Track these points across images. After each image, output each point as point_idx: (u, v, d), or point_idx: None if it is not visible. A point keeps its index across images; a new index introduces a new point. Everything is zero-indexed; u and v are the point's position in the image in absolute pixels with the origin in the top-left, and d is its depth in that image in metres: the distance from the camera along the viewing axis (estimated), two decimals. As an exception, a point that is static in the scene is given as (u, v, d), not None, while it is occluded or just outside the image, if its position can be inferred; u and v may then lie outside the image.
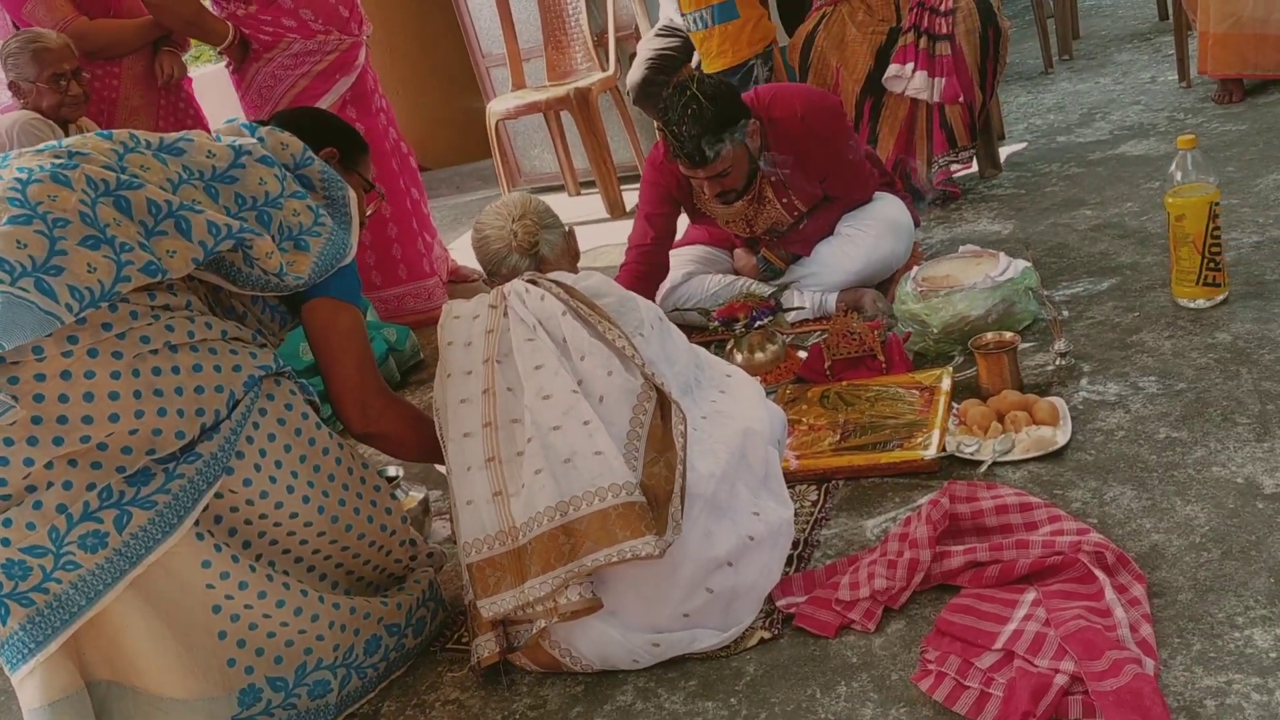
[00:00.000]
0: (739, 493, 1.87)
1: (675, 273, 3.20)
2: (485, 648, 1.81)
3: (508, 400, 1.83)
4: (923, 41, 3.52)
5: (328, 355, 1.97)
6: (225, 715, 1.75)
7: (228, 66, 3.77)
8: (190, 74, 3.87)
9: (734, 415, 1.95)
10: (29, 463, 1.61)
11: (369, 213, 2.23)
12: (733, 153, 2.80)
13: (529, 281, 1.92)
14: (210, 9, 3.66)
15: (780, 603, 1.86)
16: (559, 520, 1.72)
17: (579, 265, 2.12)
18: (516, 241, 2.00)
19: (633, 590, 1.76)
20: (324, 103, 3.64)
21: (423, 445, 2.05)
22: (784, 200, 3.00)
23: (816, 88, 3.51)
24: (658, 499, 1.73)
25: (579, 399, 1.78)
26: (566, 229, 2.10)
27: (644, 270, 3.08)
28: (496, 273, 2.03)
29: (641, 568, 1.73)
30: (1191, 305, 2.50)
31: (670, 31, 4.38)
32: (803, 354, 2.75)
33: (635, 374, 1.82)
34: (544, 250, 2.03)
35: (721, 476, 1.83)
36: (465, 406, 1.85)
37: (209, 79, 5.16)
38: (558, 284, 1.90)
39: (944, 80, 3.52)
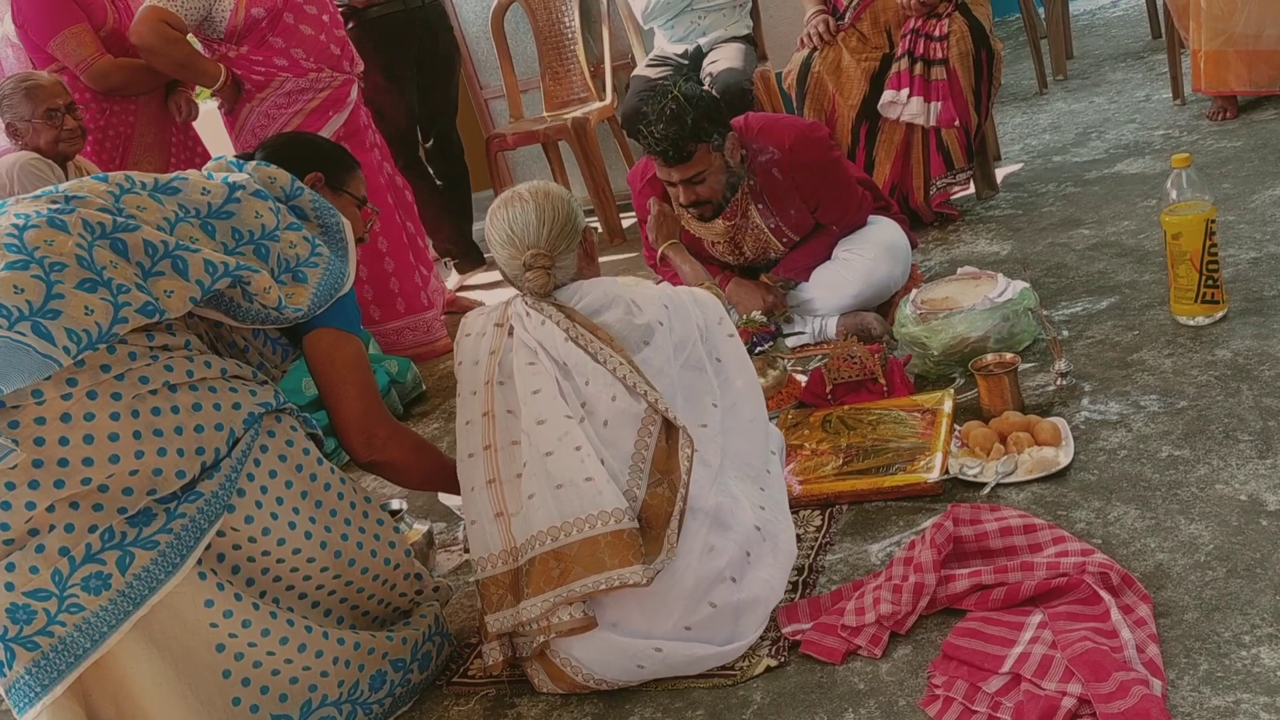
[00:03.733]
0: (740, 504, 1.89)
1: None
2: (491, 655, 1.86)
3: (507, 422, 1.86)
4: (917, 67, 3.54)
5: (331, 386, 1.98)
6: None
7: (220, 108, 3.78)
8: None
9: (741, 413, 2.00)
10: (31, 506, 1.62)
11: (368, 227, 2.25)
12: (709, 159, 2.81)
13: (530, 306, 1.92)
14: (202, 51, 3.69)
15: (786, 629, 1.86)
16: (550, 545, 1.76)
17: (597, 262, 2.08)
18: (530, 275, 1.92)
19: (635, 602, 1.78)
20: None
21: (427, 473, 2.08)
22: (772, 225, 3.02)
23: (804, 119, 3.52)
24: (656, 520, 1.75)
25: (573, 424, 1.80)
26: (582, 237, 1.99)
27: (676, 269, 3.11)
28: (508, 279, 1.99)
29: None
30: (1191, 323, 2.50)
31: (662, 61, 4.41)
32: (803, 378, 2.75)
33: (639, 399, 1.83)
34: (559, 279, 1.96)
35: (720, 482, 1.87)
36: (469, 428, 1.90)
37: (202, 119, 5.18)
38: (559, 308, 1.90)
39: (940, 104, 3.53)
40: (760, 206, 2.99)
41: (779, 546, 1.92)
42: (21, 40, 3.59)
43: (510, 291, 2.02)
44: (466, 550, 2.13)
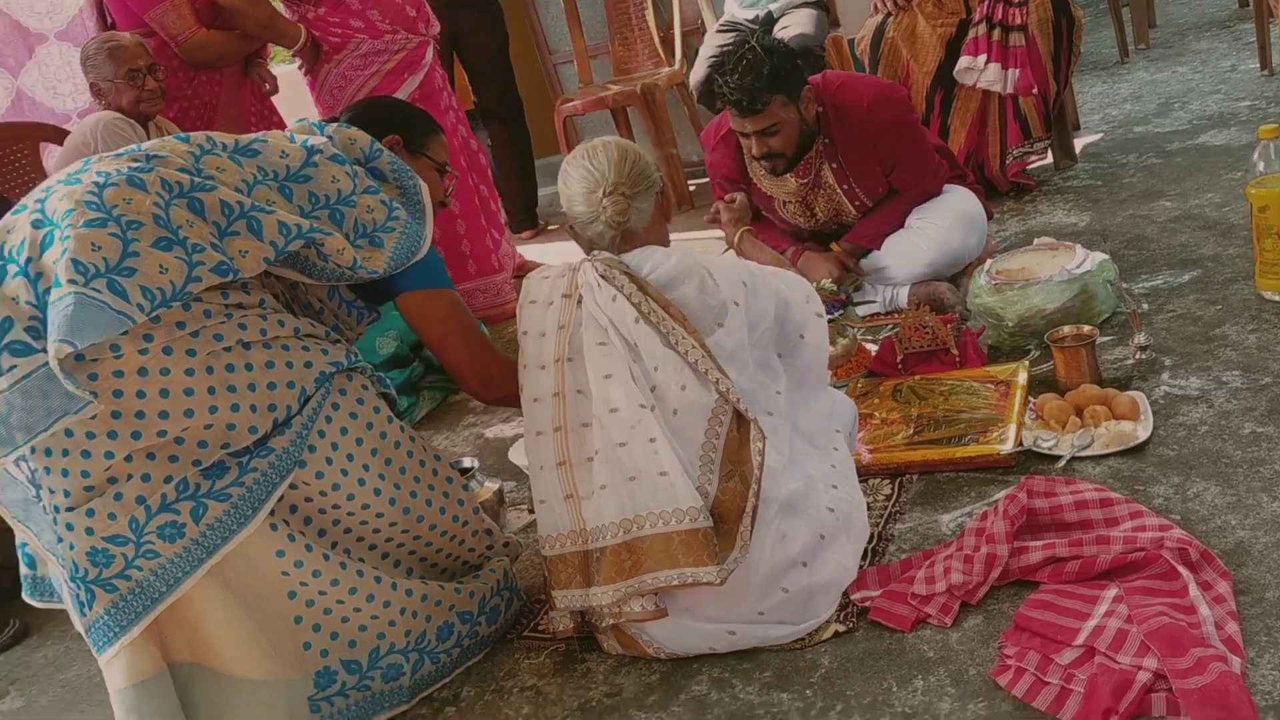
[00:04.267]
0: (815, 485, 1.86)
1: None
2: (561, 621, 1.87)
3: (578, 403, 1.82)
4: (995, 33, 3.48)
5: (435, 341, 2.02)
6: (301, 696, 1.80)
7: (300, 69, 3.85)
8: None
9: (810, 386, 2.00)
10: (109, 455, 1.67)
11: (447, 191, 2.26)
12: (783, 112, 2.80)
13: (601, 275, 1.84)
14: (283, 12, 3.74)
15: (855, 596, 1.86)
16: (622, 537, 1.74)
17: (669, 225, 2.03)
18: (605, 218, 1.88)
19: (708, 590, 1.76)
20: None
21: None
22: (845, 187, 2.99)
23: (884, 79, 3.48)
24: (728, 515, 1.72)
25: (646, 414, 1.75)
26: (660, 189, 1.96)
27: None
28: (580, 232, 1.96)
29: None
30: (1276, 298, 2.44)
31: (732, 27, 4.37)
32: (873, 347, 2.73)
33: (709, 388, 1.77)
34: (633, 223, 1.90)
35: (792, 467, 1.84)
36: (538, 406, 1.86)
37: (285, 79, 5.27)
38: (630, 278, 1.83)
39: (1018, 71, 3.47)
40: (834, 166, 2.96)
41: (852, 526, 1.90)
42: (115, 10, 3.66)
43: (576, 256, 1.97)
44: (505, 543, 2.15)
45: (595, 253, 1.90)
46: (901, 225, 3.04)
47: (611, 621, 1.80)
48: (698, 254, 1.91)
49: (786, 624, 1.80)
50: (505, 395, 2.02)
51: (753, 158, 2.94)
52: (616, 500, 1.75)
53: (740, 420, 1.77)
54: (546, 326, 1.87)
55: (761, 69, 2.72)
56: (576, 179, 1.91)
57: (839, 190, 3.00)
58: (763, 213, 3.21)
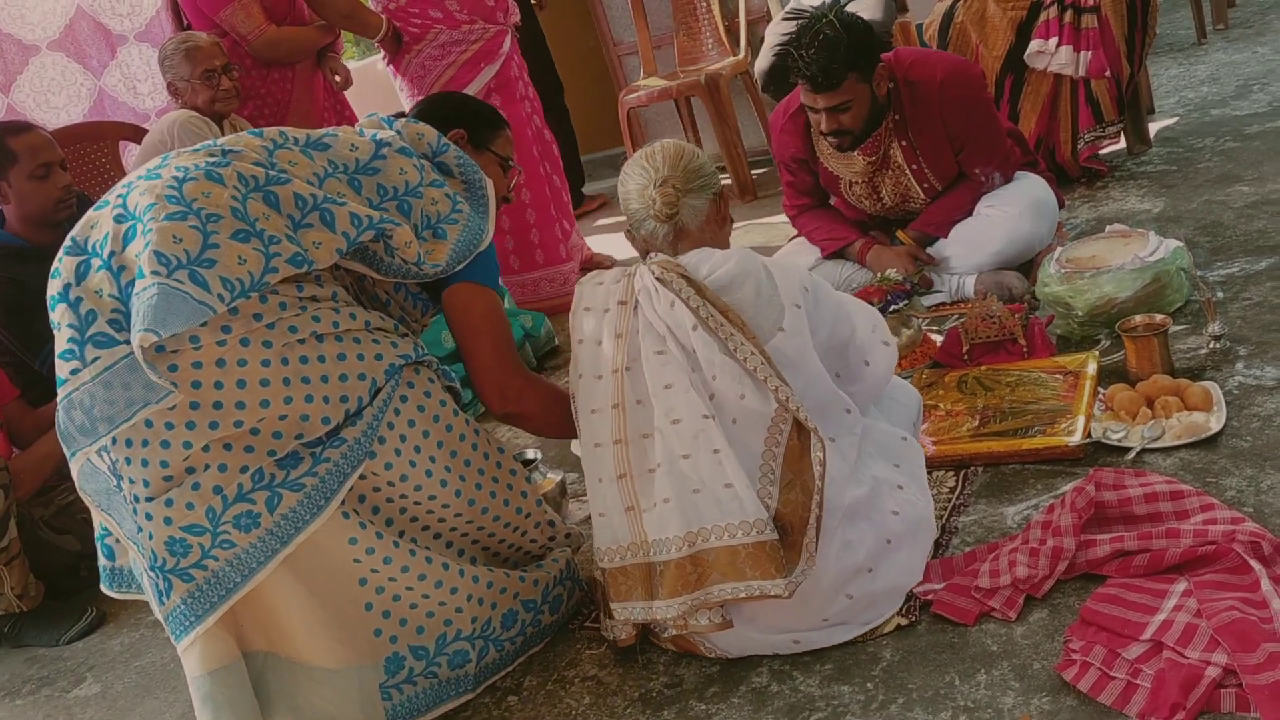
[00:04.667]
0: (880, 489, 1.84)
1: (808, 257, 3.18)
2: (623, 630, 1.85)
3: (637, 414, 1.80)
4: (1067, 15, 3.41)
5: (466, 338, 2.03)
6: (374, 683, 1.83)
7: (384, 59, 3.93)
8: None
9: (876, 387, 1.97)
10: (188, 445, 1.71)
11: (510, 186, 2.28)
12: (856, 88, 2.78)
13: (657, 279, 1.80)
14: (368, 3, 3.84)
15: (918, 589, 1.84)
16: (686, 550, 1.73)
17: (730, 230, 2.00)
18: (655, 210, 1.87)
19: (774, 601, 1.72)
20: (469, 90, 3.76)
21: (560, 423, 2.08)
22: (914, 167, 2.96)
23: (959, 56, 3.43)
24: (792, 526, 1.70)
25: (709, 424, 1.73)
26: (716, 191, 1.93)
27: (815, 224, 3.14)
28: (635, 232, 1.95)
29: None
30: (1359, 285, 2.37)
31: (797, 14, 4.32)
32: (939, 338, 2.70)
33: (769, 397, 1.73)
34: (685, 219, 1.88)
35: (858, 471, 1.82)
36: (596, 418, 1.84)
37: (364, 71, 5.36)
38: (688, 282, 1.78)
39: (1090, 53, 3.40)
40: (904, 144, 2.93)
41: (919, 528, 1.87)
42: (189, 12, 3.75)
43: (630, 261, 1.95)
44: (568, 534, 2.16)
45: (652, 255, 1.87)
46: (970, 213, 3.00)
47: (675, 632, 1.81)
48: (758, 255, 1.86)
49: (851, 624, 1.79)
50: (519, 411, 2.04)
51: (820, 133, 2.92)
52: (681, 513, 1.73)
53: (800, 429, 1.73)
54: (602, 335, 1.84)
55: (839, 45, 2.70)
56: (632, 176, 1.91)
57: (907, 171, 2.97)
58: (830, 198, 3.19)
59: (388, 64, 3.94)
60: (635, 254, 1.99)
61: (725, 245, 1.96)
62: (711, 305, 1.76)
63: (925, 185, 3.00)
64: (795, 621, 1.78)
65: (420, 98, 3.77)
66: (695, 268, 1.82)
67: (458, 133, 2.17)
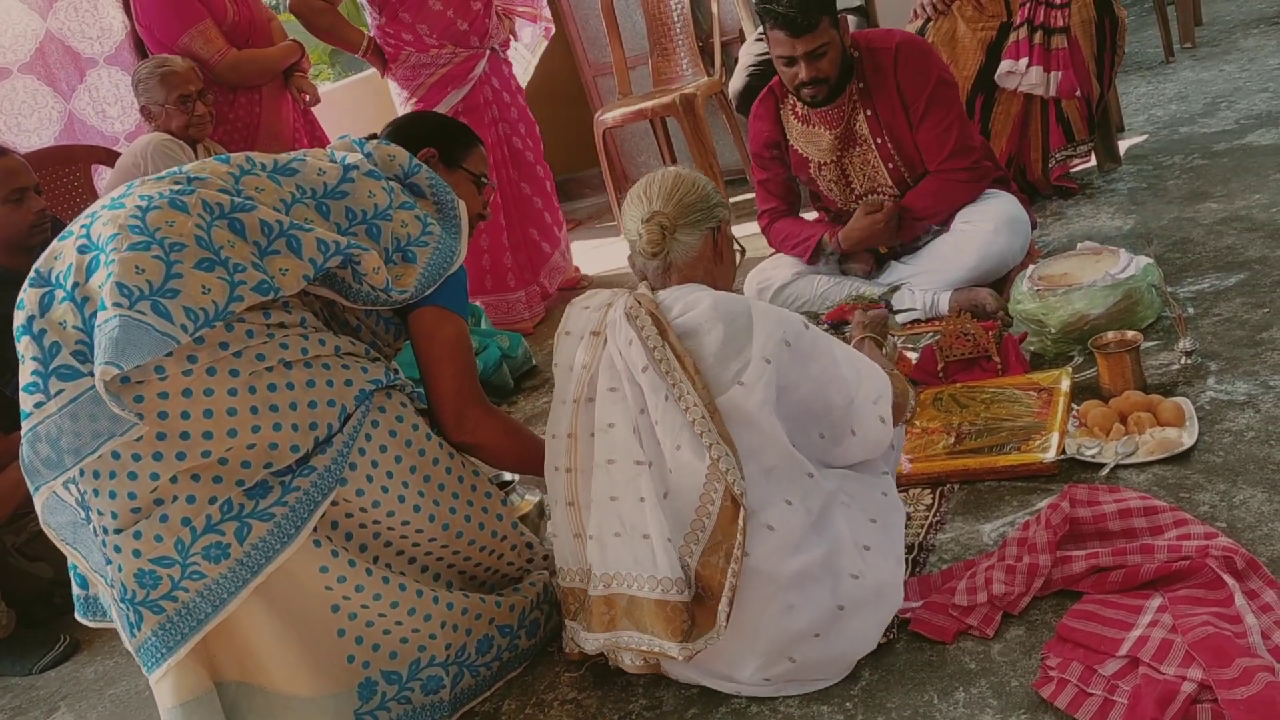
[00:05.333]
0: (841, 550, 1.72)
1: (784, 271, 3.20)
2: (583, 644, 1.85)
3: (588, 446, 1.79)
4: (1037, 35, 3.45)
5: (428, 364, 2.02)
6: (348, 710, 1.82)
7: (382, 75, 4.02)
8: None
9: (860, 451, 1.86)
10: (155, 477, 1.70)
11: (485, 204, 2.28)
12: (829, 32, 2.86)
13: (626, 313, 1.75)
14: (367, 16, 3.94)
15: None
16: (602, 590, 1.75)
17: (733, 263, 1.94)
18: (644, 228, 1.82)
19: (712, 651, 1.68)
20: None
21: (518, 457, 2.11)
22: (879, 140, 3.00)
23: None
24: (710, 590, 1.66)
25: (641, 470, 1.70)
26: (713, 225, 1.86)
27: (785, 233, 3.18)
28: (633, 262, 1.90)
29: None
30: (1326, 300, 2.40)
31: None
32: (914, 356, 2.71)
33: (703, 455, 1.66)
34: (674, 255, 1.83)
35: (816, 529, 1.72)
36: (554, 443, 1.86)
37: (340, 93, 5.38)
38: (654, 320, 1.72)
39: (1060, 73, 3.44)
40: (868, 114, 2.99)
41: (880, 595, 1.74)
42: (147, 40, 3.74)
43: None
44: (545, 556, 2.16)
45: (641, 286, 1.84)
46: (941, 219, 3.01)
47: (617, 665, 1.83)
48: (746, 300, 1.78)
49: (802, 682, 1.74)
50: (474, 442, 2.03)
51: (798, 84, 2.94)
52: (601, 553, 1.75)
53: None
54: (575, 362, 1.83)
55: None
56: (630, 207, 1.87)
57: (873, 145, 3.01)
58: (798, 183, 3.22)
59: (383, 77, 4.03)
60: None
61: (726, 279, 1.91)
62: (670, 348, 1.70)
63: (891, 166, 3.03)
64: (737, 672, 1.73)
65: (405, 110, 3.85)
66: (669, 305, 1.77)
67: (428, 152, 2.16)
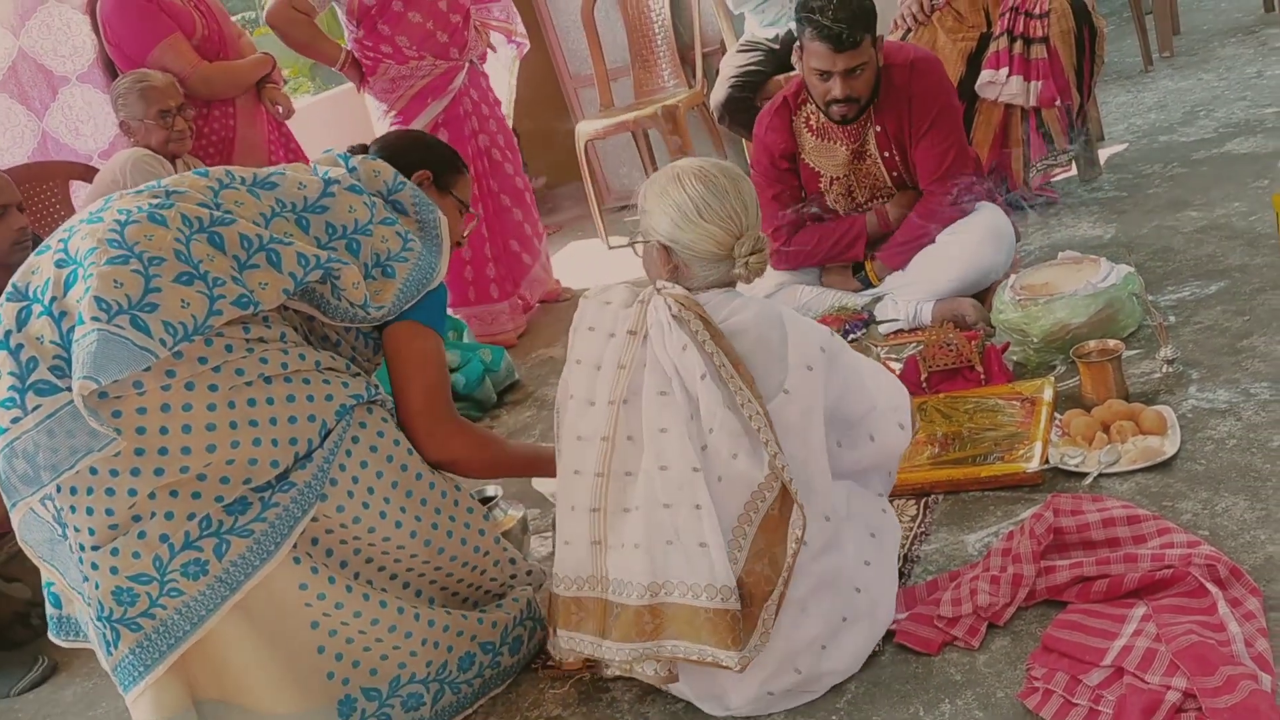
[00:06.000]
0: (846, 560, 1.76)
1: (767, 283, 3.19)
2: (569, 653, 1.81)
3: (625, 450, 1.73)
4: (1016, 46, 3.46)
5: (401, 378, 2.00)
6: None
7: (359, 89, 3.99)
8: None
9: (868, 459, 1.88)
10: (133, 493, 1.68)
11: (465, 233, 2.28)
12: (869, 51, 2.86)
13: (674, 316, 1.71)
14: (344, 29, 3.91)
15: (880, 619, 1.84)
16: (648, 599, 1.68)
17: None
18: (755, 258, 1.76)
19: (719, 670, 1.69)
20: (416, 125, 3.78)
21: (493, 469, 2.14)
22: (886, 154, 3.01)
23: None
24: (753, 597, 1.64)
25: (696, 478, 1.66)
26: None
27: (808, 240, 3.15)
28: (676, 261, 1.79)
29: None
30: (1306, 307, 2.41)
31: (752, 46, 4.37)
32: (898, 366, 2.71)
33: (762, 461, 1.65)
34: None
35: (831, 540, 1.75)
36: (581, 445, 1.77)
37: (319, 106, 5.36)
38: (705, 324, 1.70)
39: (1040, 83, 3.45)
40: (878, 130, 2.99)
41: (875, 615, 1.77)
42: (116, 59, 3.72)
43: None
44: (529, 572, 2.14)
45: (663, 285, 1.77)
46: (929, 238, 3.02)
47: (618, 672, 1.78)
48: (778, 308, 1.80)
49: (794, 695, 1.74)
50: (447, 458, 2.00)
51: (829, 100, 2.92)
52: (650, 561, 1.68)
53: (785, 499, 1.66)
54: (605, 361, 1.77)
55: (858, 5, 2.78)
56: (714, 214, 1.75)
57: (880, 159, 3.02)
58: (802, 200, 3.21)
59: (359, 91, 4.00)
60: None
61: (725, 278, 1.83)
62: (725, 354, 1.68)
63: (895, 174, 3.06)
64: (741, 690, 1.71)
65: (384, 127, 3.83)
66: (714, 309, 1.74)
67: (423, 174, 2.15)
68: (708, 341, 1.69)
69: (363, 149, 2.20)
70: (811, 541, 1.68)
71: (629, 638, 1.69)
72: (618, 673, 1.78)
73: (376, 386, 1.96)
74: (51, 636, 1.90)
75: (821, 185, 3.13)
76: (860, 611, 1.74)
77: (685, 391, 1.69)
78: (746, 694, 1.71)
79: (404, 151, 2.19)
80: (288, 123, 4.03)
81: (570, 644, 1.77)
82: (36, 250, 1.83)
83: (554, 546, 1.84)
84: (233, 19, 4.07)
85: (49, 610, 1.89)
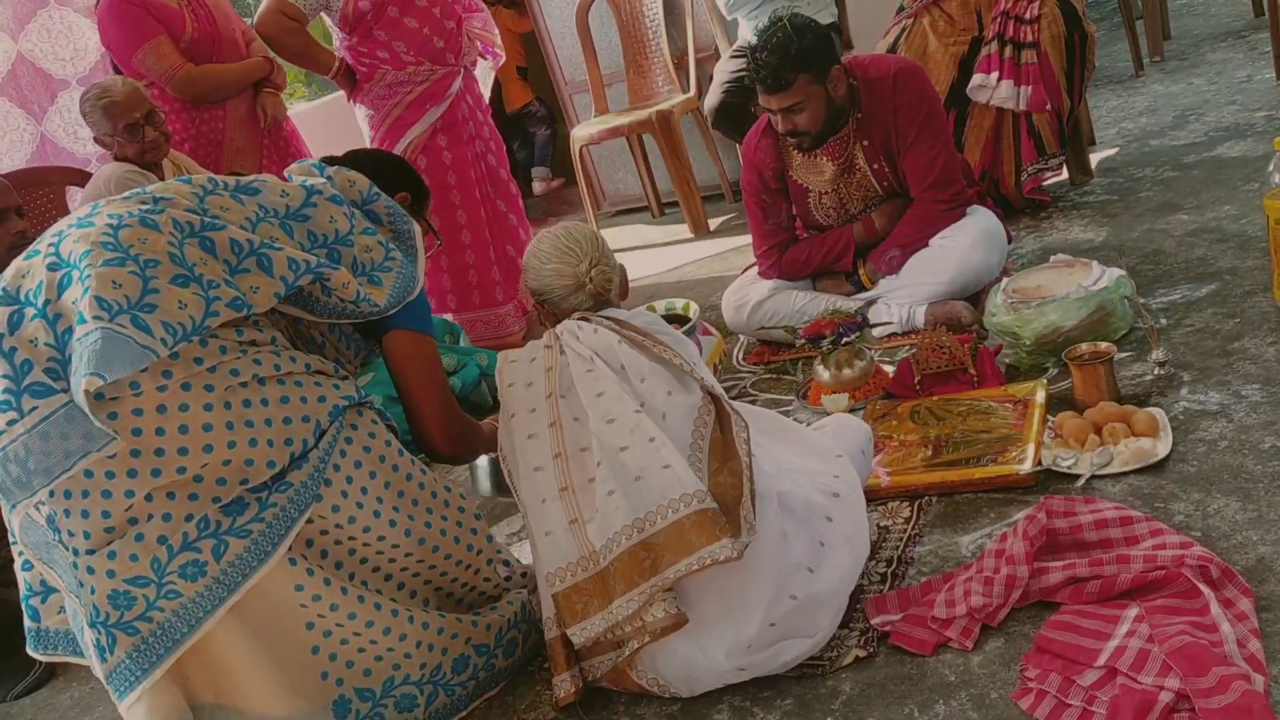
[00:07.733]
0: (809, 489, 1.89)
1: (761, 288, 3.21)
2: (562, 688, 1.83)
3: (575, 430, 1.86)
4: (1007, 50, 3.48)
5: (413, 386, 2.06)
6: None
7: (349, 98, 3.94)
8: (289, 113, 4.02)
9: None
10: (130, 495, 1.68)
11: (429, 253, 2.29)
12: (809, 88, 2.87)
13: (580, 319, 1.96)
14: (334, 36, 3.87)
15: (875, 620, 1.85)
16: (636, 538, 1.74)
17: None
18: (592, 286, 2.00)
19: (720, 605, 1.76)
20: (414, 131, 3.76)
21: (493, 444, 2.17)
22: (875, 166, 3.04)
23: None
24: (726, 506, 1.74)
25: (643, 418, 1.81)
26: (621, 268, 2.10)
27: (799, 254, 3.19)
28: (557, 306, 2.03)
29: (725, 579, 1.74)
30: (1296, 309, 2.43)
31: (745, 52, 4.39)
32: (891, 369, 2.73)
33: (694, 390, 1.86)
34: (611, 295, 2.04)
35: (785, 473, 1.89)
36: (532, 442, 1.88)
37: (312, 114, 5.36)
38: (609, 319, 1.95)
39: (1031, 88, 3.47)
40: (865, 144, 3.02)
41: (853, 539, 1.89)
42: (114, 57, 3.72)
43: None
44: (524, 574, 2.18)
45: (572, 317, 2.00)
46: (921, 243, 3.03)
47: (626, 653, 1.78)
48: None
49: (797, 637, 1.78)
50: (461, 454, 2.16)
51: (780, 133, 3.00)
52: (626, 502, 1.75)
53: (723, 422, 1.85)
54: (533, 375, 1.94)
55: (789, 48, 2.81)
56: (553, 255, 2.01)
57: (869, 171, 3.04)
58: (794, 219, 3.23)
59: (349, 100, 3.96)
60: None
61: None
62: (633, 330, 1.92)
63: (885, 184, 3.08)
64: (746, 628, 1.75)
65: (377, 136, 3.82)
66: (615, 315, 1.98)
67: (403, 197, 2.22)
68: (614, 327, 1.92)
69: (334, 160, 2.21)
70: (760, 465, 1.82)
71: (632, 583, 1.73)
72: (631, 646, 1.77)
73: (362, 390, 1.97)
74: (30, 650, 1.89)
75: (811, 201, 3.16)
76: (836, 537, 1.86)
77: (607, 363, 1.89)
78: (751, 628, 1.75)
79: (386, 170, 2.23)
80: (296, 128, 4.03)
81: (583, 635, 1.77)
82: (24, 255, 1.83)
83: (534, 554, 1.86)
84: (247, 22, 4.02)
85: (27, 624, 1.87)
